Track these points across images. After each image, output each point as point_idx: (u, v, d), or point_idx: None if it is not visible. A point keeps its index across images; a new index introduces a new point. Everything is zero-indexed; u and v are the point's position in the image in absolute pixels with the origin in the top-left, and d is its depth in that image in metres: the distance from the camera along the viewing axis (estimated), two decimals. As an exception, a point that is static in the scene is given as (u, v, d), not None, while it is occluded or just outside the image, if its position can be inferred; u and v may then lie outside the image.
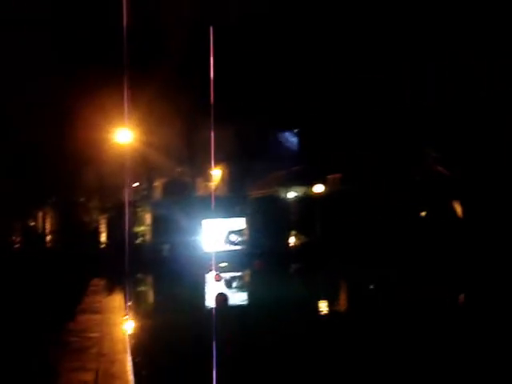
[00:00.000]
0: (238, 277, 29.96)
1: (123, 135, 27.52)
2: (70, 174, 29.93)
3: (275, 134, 39.73)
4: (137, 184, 38.12)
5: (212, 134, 20.06)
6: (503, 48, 27.21)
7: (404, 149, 31.25)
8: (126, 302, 16.77)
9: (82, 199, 36.78)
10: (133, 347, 12.36)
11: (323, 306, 22.41)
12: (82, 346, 11.09)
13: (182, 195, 36.23)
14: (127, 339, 11.87)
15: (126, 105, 25.17)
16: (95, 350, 10.69)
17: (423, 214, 32.40)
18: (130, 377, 9.11)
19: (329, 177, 38.36)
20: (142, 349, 13.44)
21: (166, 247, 33.79)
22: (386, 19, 29.95)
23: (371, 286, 24.78)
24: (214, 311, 18.43)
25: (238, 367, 12.76)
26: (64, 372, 9.35)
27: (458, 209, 30.37)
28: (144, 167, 35.87)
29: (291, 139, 40.53)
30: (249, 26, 31.25)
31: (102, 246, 32.07)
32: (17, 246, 27.18)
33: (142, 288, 27.77)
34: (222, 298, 20.66)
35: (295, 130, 39.79)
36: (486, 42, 27.70)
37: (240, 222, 36.78)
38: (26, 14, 24.18)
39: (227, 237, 36.11)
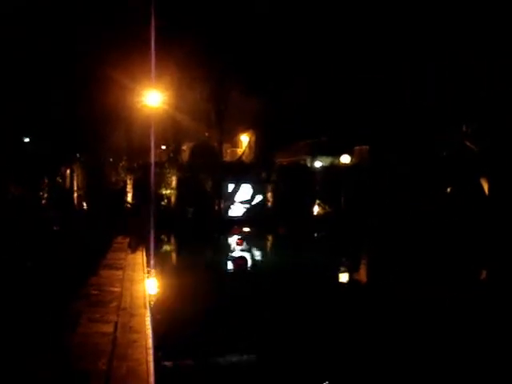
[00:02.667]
0: (261, 241, 30.20)
1: (153, 98, 27.71)
2: (99, 133, 30.13)
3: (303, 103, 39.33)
4: (164, 147, 38.32)
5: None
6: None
7: (432, 123, 30.82)
8: (148, 261, 17.08)
9: (110, 159, 37.16)
10: (152, 304, 12.63)
11: (342, 275, 22.54)
12: (104, 299, 11.33)
13: (208, 159, 36.35)
14: (147, 296, 12.08)
15: (153, 67, 25.29)
16: (115, 304, 10.91)
17: (449, 189, 32.09)
18: (149, 331, 9.30)
19: (356, 148, 38.16)
20: (162, 306, 13.73)
21: (191, 210, 34.07)
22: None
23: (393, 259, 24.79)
24: (233, 273, 18.71)
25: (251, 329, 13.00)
26: (84, 323, 9.59)
27: (485, 186, 29.99)
28: (172, 130, 36.00)
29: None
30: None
31: (128, 205, 32.40)
32: (43, 201, 27.52)
33: (165, 248, 28.15)
34: (241, 262, 20.89)
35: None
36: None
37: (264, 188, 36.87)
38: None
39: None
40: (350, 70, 32.64)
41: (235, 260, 21.99)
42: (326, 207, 36.07)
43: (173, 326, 12.30)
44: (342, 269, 23.71)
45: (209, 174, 35.61)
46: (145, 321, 9.84)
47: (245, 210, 35.59)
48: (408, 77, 31.74)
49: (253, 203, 35.93)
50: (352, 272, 23.04)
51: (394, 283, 18.76)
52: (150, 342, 8.80)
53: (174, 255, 26.84)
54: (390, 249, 26.37)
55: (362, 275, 23.00)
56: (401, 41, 30.07)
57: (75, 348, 8.35)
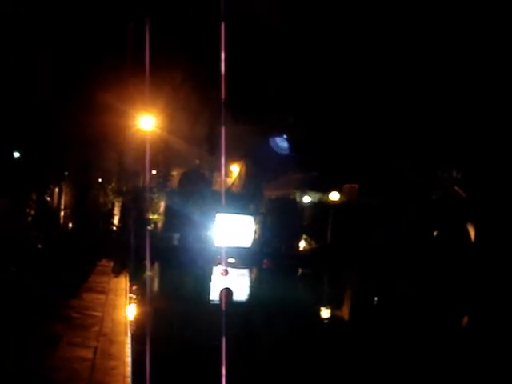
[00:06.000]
0: (245, 273, 30.07)
1: (146, 122, 27.83)
2: (89, 154, 30.16)
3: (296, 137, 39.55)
4: (155, 171, 38.29)
5: (223, 131, 20.20)
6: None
7: (424, 166, 31.11)
8: (131, 286, 16.93)
9: (99, 180, 37.05)
10: (133, 331, 12.46)
11: (325, 312, 22.45)
12: (84, 323, 11.20)
13: (197, 187, 36.32)
14: (128, 322, 11.95)
15: (147, 91, 25.43)
16: (96, 329, 10.79)
17: (435, 233, 32.25)
18: (128, 358, 9.19)
19: (345, 186, 38.31)
20: (142, 333, 13.54)
21: (177, 236, 33.92)
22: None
23: (375, 299, 24.80)
24: (219, 305, 18.55)
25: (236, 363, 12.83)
26: (64, 346, 9.45)
27: (471, 231, 30.19)
28: (163, 155, 36.02)
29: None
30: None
31: (114, 228, 32.25)
32: (30, 218, 27.37)
33: (149, 274, 27.87)
34: (226, 293, 20.74)
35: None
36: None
37: (251, 220, 36.77)
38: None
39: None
40: (345, 109, 32.93)
41: (221, 291, 21.85)
42: (313, 243, 36.06)
43: (153, 356, 12.12)
44: (324, 305, 23.64)
45: (197, 201, 35.53)
46: (125, 348, 9.73)
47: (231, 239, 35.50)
48: (401, 119, 32.03)
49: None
50: (334, 309, 22.99)
51: (376, 321, 18.78)
52: (128, 370, 8.70)
53: (157, 281, 26.63)
54: (372, 288, 26.42)
55: (345, 312, 22.98)
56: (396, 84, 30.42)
57: (53, 371, 8.21)
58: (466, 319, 22.59)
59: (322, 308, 22.84)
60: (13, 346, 9.21)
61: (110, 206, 34.66)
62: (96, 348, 9.51)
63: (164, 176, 36.73)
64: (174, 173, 40.56)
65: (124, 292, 15.52)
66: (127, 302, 14.19)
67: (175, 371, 11.76)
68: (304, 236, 36.47)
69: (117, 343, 9.97)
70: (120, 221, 32.99)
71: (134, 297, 15.95)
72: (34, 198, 28.11)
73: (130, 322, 12.40)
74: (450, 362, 13.99)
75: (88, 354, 9.15)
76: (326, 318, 21.00)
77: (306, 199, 38.68)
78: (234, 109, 34.32)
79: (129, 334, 10.71)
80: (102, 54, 25.97)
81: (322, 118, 34.17)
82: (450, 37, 28.03)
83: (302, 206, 38.07)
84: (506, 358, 14.66)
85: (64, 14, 24.25)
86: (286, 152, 37.95)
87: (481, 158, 29.14)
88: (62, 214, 32.90)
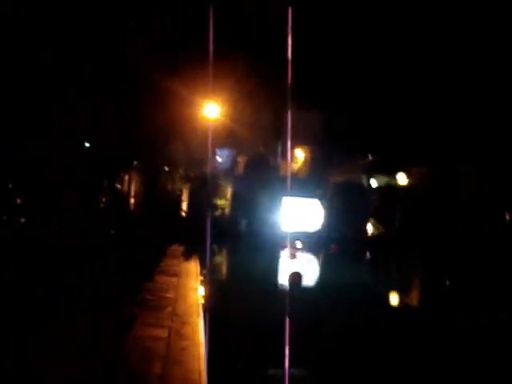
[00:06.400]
0: (312, 258, 30.05)
1: (211, 110, 28.28)
2: (159, 143, 30.81)
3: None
4: (220, 159, 38.65)
5: (289, 117, 20.26)
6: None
7: (499, 150, 30.20)
8: (201, 269, 17.21)
9: (165, 168, 37.68)
10: (205, 311, 12.69)
11: (393, 298, 22.20)
12: (159, 304, 11.49)
13: (263, 173, 36.44)
14: (201, 303, 12.18)
15: (211, 81, 25.63)
16: (170, 310, 11.06)
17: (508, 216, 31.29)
18: (201, 339, 9.37)
19: (414, 169, 37.60)
20: (214, 314, 13.77)
21: (244, 222, 34.20)
22: None
23: (447, 283, 24.32)
24: (287, 288, 18.63)
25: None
26: (139, 326, 9.73)
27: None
28: (229, 142, 36.29)
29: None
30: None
31: (183, 213, 32.82)
32: (102, 205, 28.16)
33: (218, 258, 28.28)
34: (296, 277, 20.76)
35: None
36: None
37: (318, 204, 36.66)
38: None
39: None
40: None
41: (291, 274, 21.90)
42: (380, 227, 35.64)
43: (223, 338, 12.31)
44: (392, 291, 23.34)
45: (263, 187, 35.68)
46: (198, 328, 9.93)
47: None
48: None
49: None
50: (403, 295, 22.67)
51: (446, 308, 18.41)
52: (202, 350, 8.87)
53: (226, 265, 26.98)
54: (444, 273, 25.88)
55: (414, 298, 22.63)
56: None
57: (130, 350, 8.48)
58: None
59: (389, 294, 22.60)
60: (91, 327, 9.54)
61: (178, 193, 35.25)
62: (170, 328, 9.75)
63: (230, 162, 37.05)
64: (239, 159, 40.84)
65: (195, 275, 15.81)
66: (198, 284, 14.44)
67: (241, 352, 11.96)
68: (372, 220, 36.07)
69: (190, 323, 10.19)
70: (188, 206, 33.53)
71: (205, 280, 16.20)
72: (106, 185, 28.89)
73: (202, 304, 12.63)
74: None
75: (162, 333, 9.40)
76: (395, 305, 20.77)
77: (373, 183, 38.23)
78: (298, 95, 34.18)
79: (201, 315, 10.92)
80: (168, 45, 26.42)
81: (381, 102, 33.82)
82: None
83: (370, 190, 37.64)
84: None
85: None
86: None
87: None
88: (132, 200, 33.69)
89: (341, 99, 34.79)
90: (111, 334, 9.16)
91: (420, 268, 28.95)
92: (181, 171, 35.68)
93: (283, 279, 22.32)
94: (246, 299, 16.47)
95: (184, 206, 33.80)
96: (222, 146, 36.18)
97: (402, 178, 36.34)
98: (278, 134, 36.27)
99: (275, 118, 35.83)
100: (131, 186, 33.75)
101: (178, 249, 21.14)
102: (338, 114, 36.36)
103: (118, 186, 32.19)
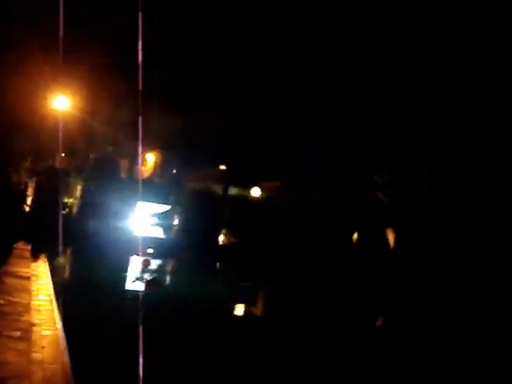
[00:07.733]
0: (162, 264, 29.63)
1: (61, 102, 28.00)
2: (3, 134, 29.07)
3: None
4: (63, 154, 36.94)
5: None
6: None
7: (349, 170, 31.66)
8: (51, 271, 16.32)
9: (13, 159, 35.42)
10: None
11: (237, 309, 22.55)
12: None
13: (112, 174, 35.46)
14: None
15: (61, 72, 24.63)
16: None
17: (355, 235, 32.87)
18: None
19: (265, 183, 38.47)
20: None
21: (93, 222, 32.93)
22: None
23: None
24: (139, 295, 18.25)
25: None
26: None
27: (391, 237, 30.92)
28: (79, 138, 34.89)
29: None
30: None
31: (27, 208, 30.94)
32: None
33: (61, 260, 26.98)
34: (151, 285, 20.52)
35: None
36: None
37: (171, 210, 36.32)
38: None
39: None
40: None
41: (148, 282, 21.59)
42: (232, 238, 35.97)
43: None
44: (239, 301, 23.67)
45: (114, 188, 34.59)
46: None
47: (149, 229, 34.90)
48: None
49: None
50: (248, 305, 23.07)
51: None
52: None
53: (72, 266, 25.84)
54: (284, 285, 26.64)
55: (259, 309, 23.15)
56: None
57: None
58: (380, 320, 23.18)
59: (234, 305, 22.88)
60: None
61: (22, 187, 33.18)
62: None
63: (83, 159, 35.64)
64: (90, 156, 39.38)
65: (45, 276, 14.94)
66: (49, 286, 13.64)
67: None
68: (223, 230, 36.33)
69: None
70: (34, 202, 31.66)
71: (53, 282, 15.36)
72: None
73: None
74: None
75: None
76: (238, 314, 21.15)
77: (228, 192, 38.59)
78: (157, 98, 33.70)
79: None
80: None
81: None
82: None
83: (224, 200, 37.93)
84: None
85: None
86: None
87: (399, 166, 29.94)
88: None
89: (199, 105, 34.78)
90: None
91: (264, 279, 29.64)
92: (28, 163, 33.70)
93: (133, 285, 21.82)
94: (92, 304, 15.91)
95: (28, 201, 31.88)
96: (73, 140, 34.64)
97: (255, 191, 37.05)
98: (136, 135, 35.43)
99: (135, 118, 34.97)
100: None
101: (25, 247, 19.86)
102: (197, 120, 36.28)
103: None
